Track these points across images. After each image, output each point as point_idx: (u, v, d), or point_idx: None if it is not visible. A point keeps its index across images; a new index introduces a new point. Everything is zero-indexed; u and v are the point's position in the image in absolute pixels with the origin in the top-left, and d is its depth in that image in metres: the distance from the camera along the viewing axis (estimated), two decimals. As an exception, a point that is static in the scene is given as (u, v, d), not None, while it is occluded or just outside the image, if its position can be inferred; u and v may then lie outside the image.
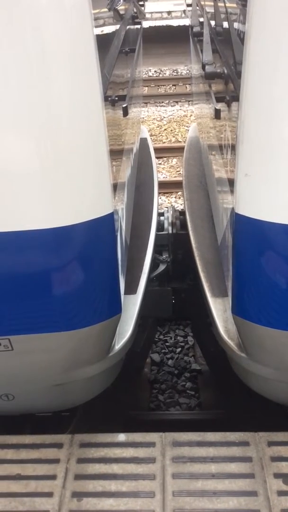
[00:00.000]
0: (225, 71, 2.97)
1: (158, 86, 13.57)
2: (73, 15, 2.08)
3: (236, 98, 2.38)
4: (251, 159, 2.27)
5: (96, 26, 2.39)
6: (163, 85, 13.60)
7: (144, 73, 14.12)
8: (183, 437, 2.85)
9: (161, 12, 16.12)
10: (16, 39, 1.99)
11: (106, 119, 2.35)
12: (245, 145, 2.27)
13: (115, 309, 2.77)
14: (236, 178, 2.36)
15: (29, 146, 2.17)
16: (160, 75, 14.48)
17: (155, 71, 14.70)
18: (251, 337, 2.75)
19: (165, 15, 16.15)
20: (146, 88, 13.24)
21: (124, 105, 2.85)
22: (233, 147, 2.46)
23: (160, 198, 8.64)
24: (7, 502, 2.58)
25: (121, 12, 3.69)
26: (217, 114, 3.03)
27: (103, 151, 2.33)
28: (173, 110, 12.08)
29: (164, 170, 9.62)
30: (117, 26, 3.44)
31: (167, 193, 8.85)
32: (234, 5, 2.77)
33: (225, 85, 3.06)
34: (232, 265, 2.63)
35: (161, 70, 14.76)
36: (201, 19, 4.66)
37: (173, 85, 13.54)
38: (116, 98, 2.82)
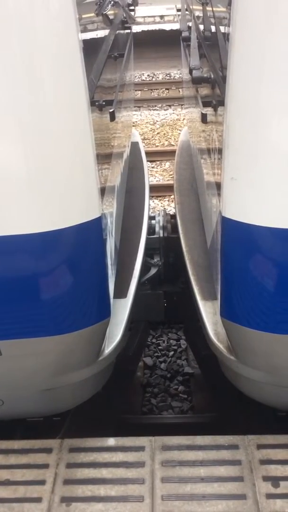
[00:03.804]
0: (212, 76, 2.99)
1: (151, 90, 13.60)
2: (58, 20, 2.09)
3: (222, 102, 2.39)
4: (236, 163, 2.29)
5: (83, 31, 2.39)
6: (156, 89, 13.63)
7: (137, 77, 14.15)
8: (172, 441, 2.85)
9: (153, 16, 16.16)
10: (0, 44, 1.99)
11: (93, 123, 2.36)
12: (231, 149, 2.28)
13: (104, 313, 2.77)
14: (222, 181, 2.37)
15: (15, 151, 2.17)
16: (153, 79, 14.51)
17: (148, 75, 14.74)
18: (239, 340, 2.76)
19: (157, 19, 16.20)
20: (139, 92, 13.26)
21: (111, 110, 2.86)
22: (220, 151, 2.47)
23: (153, 201, 8.66)
24: (-4, 508, 2.58)
25: (110, 17, 3.70)
26: (204, 118, 3.05)
27: (90, 156, 2.33)
28: (166, 114, 12.10)
29: (157, 174, 9.64)
30: (105, 31, 3.45)
31: (160, 196, 8.87)
32: (220, 10, 2.79)
33: (211, 89, 3.08)
34: (220, 268, 2.64)
35: (154, 74, 14.80)
36: (190, 24, 4.69)
37: (166, 89, 13.57)
38: (104, 103, 2.82)
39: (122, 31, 4.56)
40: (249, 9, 2.06)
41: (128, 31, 5.09)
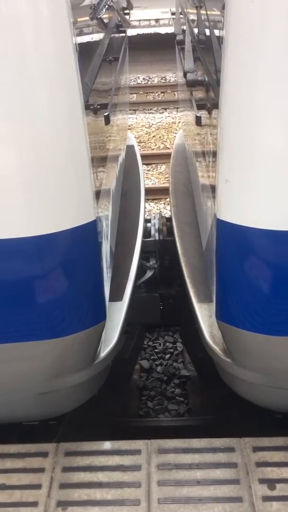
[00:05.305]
0: (206, 79, 3.00)
1: (147, 93, 13.64)
2: (52, 24, 2.09)
3: (216, 105, 2.40)
4: (231, 165, 2.29)
5: (78, 35, 2.40)
6: (152, 92, 13.67)
7: (132, 80, 14.18)
8: (168, 444, 2.84)
9: (149, 20, 16.21)
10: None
11: (88, 127, 2.36)
12: (225, 152, 2.29)
13: (99, 316, 2.77)
14: (217, 184, 2.38)
15: (10, 154, 2.17)
16: (149, 82, 14.55)
17: (143, 79, 14.77)
18: (235, 342, 2.76)
19: (153, 22, 16.24)
20: (135, 95, 13.29)
21: (106, 113, 2.86)
22: (215, 154, 2.48)
23: (149, 204, 8.67)
24: (-8, 513, 2.57)
25: (105, 21, 3.71)
26: (198, 121, 3.06)
27: (85, 159, 2.33)
28: (162, 117, 12.14)
29: (153, 177, 9.66)
30: (100, 35, 3.46)
31: (155, 199, 8.89)
32: (214, 13, 2.80)
33: (206, 92, 3.09)
34: (215, 270, 2.65)
35: (149, 78, 14.84)
36: (184, 27, 4.70)
37: (161, 92, 13.62)
38: (98, 106, 2.83)
39: (117, 35, 4.57)
40: (242, 12, 2.07)
41: (123, 34, 5.10)
